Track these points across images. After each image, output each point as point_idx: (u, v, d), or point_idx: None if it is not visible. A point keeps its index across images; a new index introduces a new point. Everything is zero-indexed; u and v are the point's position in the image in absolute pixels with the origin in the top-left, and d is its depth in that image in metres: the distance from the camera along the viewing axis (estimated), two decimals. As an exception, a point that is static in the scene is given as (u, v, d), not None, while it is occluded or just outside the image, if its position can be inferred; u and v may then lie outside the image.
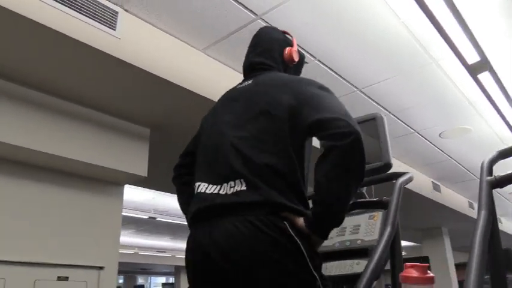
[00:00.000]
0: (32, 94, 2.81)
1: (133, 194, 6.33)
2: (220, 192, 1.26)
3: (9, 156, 2.83)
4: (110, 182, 3.40)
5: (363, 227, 1.85)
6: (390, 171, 1.94)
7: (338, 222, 1.27)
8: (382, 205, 1.72)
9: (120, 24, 2.50)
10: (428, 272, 1.20)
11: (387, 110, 4.06)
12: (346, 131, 1.21)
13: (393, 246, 1.48)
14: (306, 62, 1.79)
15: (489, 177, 1.34)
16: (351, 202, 1.86)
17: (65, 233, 3.02)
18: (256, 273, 1.17)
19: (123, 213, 7.51)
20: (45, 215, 2.96)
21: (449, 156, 5.41)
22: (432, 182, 6.35)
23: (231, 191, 1.24)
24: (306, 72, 3.25)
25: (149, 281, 21.93)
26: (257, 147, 1.28)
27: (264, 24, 2.73)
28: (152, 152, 3.46)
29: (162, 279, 21.64)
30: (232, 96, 1.51)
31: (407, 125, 4.44)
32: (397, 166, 5.44)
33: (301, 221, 1.24)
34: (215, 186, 1.28)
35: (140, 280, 20.90)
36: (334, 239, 1.90)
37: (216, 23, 2.75)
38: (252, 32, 1.72)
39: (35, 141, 2.77)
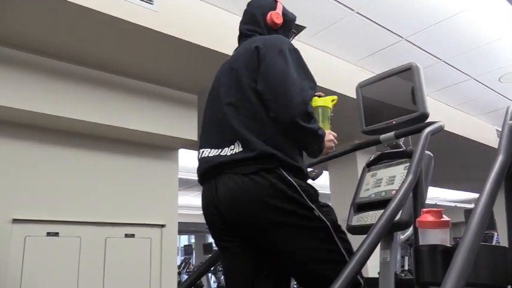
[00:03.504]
0: (94, 73, 3.11)
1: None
2: (221, 153, 1.41)
3: (80, 130, 3.19)
4: (165, 147, 3.66)
5: (398, 178, 1.88)
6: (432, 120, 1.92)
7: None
8: (407, 155, 1.74)
9: (156, -3, 2.62)
10: (444, 216, 1.24)
11: (437, 58, 3.89)
12: (282, 116, 1.36)
13: (415, 194, 1.51)
14: (301, 27, 1.85)
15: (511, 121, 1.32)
16: (379, 154, 1.90)
17: (130, 196, 3.35)
18: (257, 217, 1.34)
19: (189, 177, 7.95)
20: (112, 181, 3.30)
21: (512, 101, 5.09)
22: (497, 130, 6.01)
23: (230, 153, 1.39)
24: (347, 26, 3.23)
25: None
26: (241, 111, 1.42)
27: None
28: (201, 117, 3.63)
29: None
30: (225, 66, 1.61)
31: (462, 72, 4.22)
32: (454, 116, 5.22)
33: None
34: (216, 150, 1.44)
35: (210, 239, 22.08)
36: (370, 190, 1.95)
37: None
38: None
39: (102, 116, 3.10)
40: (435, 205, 12.11)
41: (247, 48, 1.50)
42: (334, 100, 1.76)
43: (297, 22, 1.82)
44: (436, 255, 1.19)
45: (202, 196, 1.48)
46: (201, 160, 1.49)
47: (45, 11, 2.43)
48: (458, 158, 6.22)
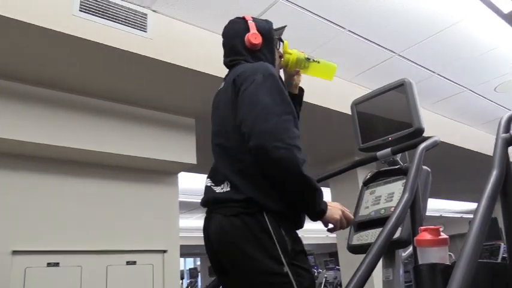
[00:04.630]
0: (91, 102, 3.14)
1: (202, 181, 6.58)
2: (216, 190, 1.39)
3: (79, 159, 3.21)
4: (165, 172, 3.66)
5: (396, 195, 1.87)
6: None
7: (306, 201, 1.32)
8: (403, 172, 1.73)
9: (150, 25, 2.66)
10: (442, 234, 1.23)
11: (432, 71, 3.92)
12: (251, 145, 1.25)
13: (413, 212, 1.50)
14: (281, 28, 1.69)
15: (505, 134, 1.32)
16: (375, 171, 1.90)
17: (131, 222, 3.34)
18: (233, 259, 1.30)
19: (192, 199, 7.92)
20: (112, 207, 3.29)
21: (510, 110, 5.08)
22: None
23: (220, 191, 1.36)
24: (339, 44, 3.27)
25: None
26: (226, 152, 1.39)
27: None
28: (200, 140, 3.65)
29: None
30: (215, 101, 1.58)
31: (457, 83, 4.24)
32: (452, 127, 5.22)
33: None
34: (213, 184, 1.42)
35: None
36: (370, 208, 1.94)
37: (246, 5, 2.82)
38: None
39: (101, 144, 3.12)
40: (440, 217, 12.00)
41: (228, 82, 1.46)
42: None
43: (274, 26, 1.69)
44: (435, 274, 1.17)
45: (203, 230, 1.47)
46: (204, 189, 1.48)
47: (43, 44, 2.47)
48: (460, 169, 6.20)
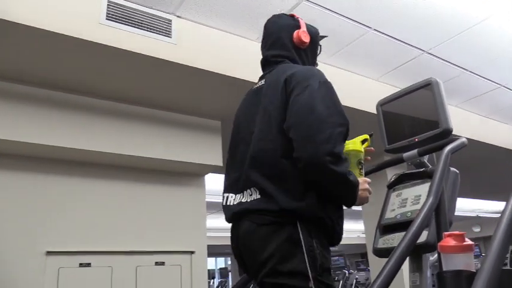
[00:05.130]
0: (121, 107, 3.23)
1: None
2: (242, 200, 1.33)
3: (111, 162, 3.31)
4: (192, 174, 3.71)
5: (423, 198, 1.83)
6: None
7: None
8: (427, 175, 1.69)
9: (174, 30, 2.71)
10: (466, 240, 1.19)
11: (463, 68, 3.79)
12: (302, 154, 1.21)
13: (437, 216, 1.46)
14: (324, 36, 1.65)
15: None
16: (399, 174, 1.86)
17: (159, 224, 3.41)
18: (259, 269, 1.26)
19: (221, 200, 7.98)
20: (141, 209, 3.37)
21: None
22: (534, 136, 5.76)
23: (250, 199, 1.30)
24: (365, 43, 3.22)
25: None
26: (264, 156, 1.31)
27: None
28: (225, 142, 3.67)
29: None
30: (252, 100, 1.50)
31: (490, 80, 4.09)
32: (485, 125, 5.04)
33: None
34: (239, 195, 1.36)
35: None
36: (396, 211, 1.90)
37: (271, 8, 2.82)
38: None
39: (131, 148, 3.20)
40: (477, 217, 11.60)
41: (277, 82, 1.37)
42: (366, 141, 1.48)
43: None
44: (460, 281, 1.14)
45: (230, 237, 1.44)
46: (225, 208, 1.43)
47: (72, 52, 2.56)
48: (495, 168, 5.98)
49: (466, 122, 4.61)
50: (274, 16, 1.61)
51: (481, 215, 11.29)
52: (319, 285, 1.19)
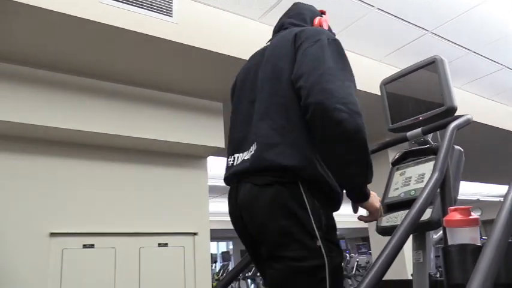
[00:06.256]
0: (122, 88, 3.21)
1: None
2: (244, 158, 1.31)
3: (113, 144, 3.30)
4: (194, 156, 3.71)
5: (427, 176, 1.82)
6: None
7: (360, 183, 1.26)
8: (432, 151, 1.68)
9: (175, 10, 2.67)
10: (472, 213, 1.19)
11: (467, 48, 3.75)
12: (310, 100, 1.18)
13: (443, 192, 1.45)
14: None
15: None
16: (404, 151, 1.85)
17: (162, 205, 3.41)
18: (264, 230, 1.24)
19: (223, 184, 7.99)
20: (144, 190, 3.38)
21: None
22: (537, 118, 5.73)
23: (250, 156, 1.29)
24: (368, 23, 3.17)
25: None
26: (271, 110, 1.29)
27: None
28: (227, 123, 3.65)
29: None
30: (255, 60, 1.50)
31: (494, 61, 4.05)
32: (489, 107, 5.01)
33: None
34: (242, 153, 1.34)
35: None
36: (400, 190, 1.90)
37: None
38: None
39: (133, 129, 3.18)
40: (478, 201, 11.64)
41: (286, 38, 1.38)
42: None
43: None
44: (465, 255, 1.13)
45: (227, 198, 1.42)
46: (227, 167, 1.43)
47: (71, 31, 2.52)
48: (498, 151, 5.97)
49: (468, 104, 4.58)
50: (305, 3, 1.66)
51: (482, 198, 11.32)
52: (327, 244, 1.19)
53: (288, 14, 1.62)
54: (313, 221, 1.19)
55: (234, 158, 1.39)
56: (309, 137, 1.23)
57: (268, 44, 1.50)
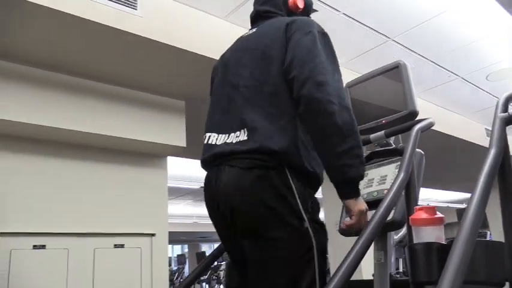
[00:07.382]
0: (79, 82, 3.05)
1: (190, 167, 6.51)
2: (227, 141, 1.32)
3: (65, 140, 3.13)
4: (153, 154, 3.61)
5: (389, 177, 1.86)
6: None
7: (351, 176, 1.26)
8: (398, 153, 1.72)
9: (140, 3, 2.59)
10: (437, 213, 1.21)
11: (425, 57, 3.90)
12: (303, 92, 1.22)
13: (407, 192, 1.48)
14: (315, 10, 1.74)
15: (503, 114, 1.30)
16: (369, 152, 1.88)
17: (119, 205, 3.29)
18: (249, 213, 1.24)
19: (181, 185, 7.84)
20: (100, 190, 3.24)
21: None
22: (485, 129, 6.05)
23: (236, 140, 1.29)
24: (332, 26, 3.21)
25: (212, 248, 22.83)
26: (259, 96, 1.31)
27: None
28: (190, 123, 3.59)
29: (224, 246, 22.36)
30: (239, 46, 1.52)
31: (449, 71, 4.23)
32: (442, 115, 5.24)
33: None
34: (224, 135, 1.35)
35: (203, 248, 21.94)
36: (362, 191, 1.93)
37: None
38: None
39: (88, 125, 3.04)
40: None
41: (275, 26, 1.41)
42: None
43: None
44: (431, 253, 1.15)
45: (204, 184, 1.39)
46: (206, 146, 1.40)
47: (30, 20, 2.38)
48: (448, 158, 6.24)
49: (423, 111, 4.76)
50: None
51: (431, 204, 11.81)
52: (314, 225, 1.24)
53: (259, 1, 1.62)
54: (300, 203, 1.22)
55: (214, 137, 1.38)
56: (297, 124, 1.27)
57: (253, 30, 1.52)
